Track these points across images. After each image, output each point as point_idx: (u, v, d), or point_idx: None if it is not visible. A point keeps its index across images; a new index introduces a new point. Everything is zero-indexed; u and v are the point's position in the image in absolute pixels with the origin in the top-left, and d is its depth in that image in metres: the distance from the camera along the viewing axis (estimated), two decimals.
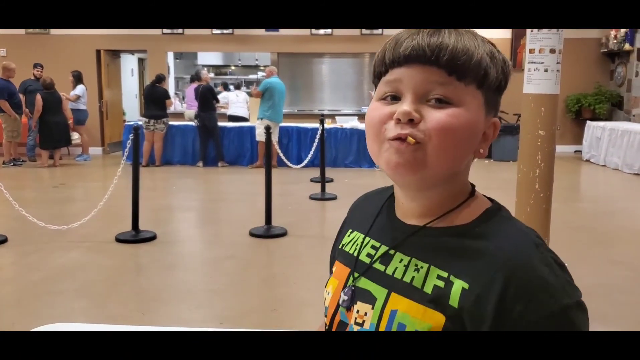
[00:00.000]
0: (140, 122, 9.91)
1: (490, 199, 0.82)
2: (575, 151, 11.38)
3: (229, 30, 11.73)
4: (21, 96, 9.99)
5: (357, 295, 0.79)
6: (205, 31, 11.77)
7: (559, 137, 11.16)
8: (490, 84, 0.74)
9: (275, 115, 9.19)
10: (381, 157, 0.76)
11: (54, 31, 11.53)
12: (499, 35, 11.26)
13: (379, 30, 11.36)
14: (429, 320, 0.70)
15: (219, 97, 11.37)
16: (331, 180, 8.11)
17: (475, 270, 0.70)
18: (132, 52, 13.45)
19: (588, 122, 10.56)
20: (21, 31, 11.56)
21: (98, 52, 11.65)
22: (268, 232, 5.13)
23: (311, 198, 6.85)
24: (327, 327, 0.83)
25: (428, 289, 0.72)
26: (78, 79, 10.56)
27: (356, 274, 0.82)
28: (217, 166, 9.75)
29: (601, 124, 10.07)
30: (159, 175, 9.20)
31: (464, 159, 0.76)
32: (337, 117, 10.55)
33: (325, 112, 11.32)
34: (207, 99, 9.66)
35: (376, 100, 0.78)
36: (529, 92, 2.92)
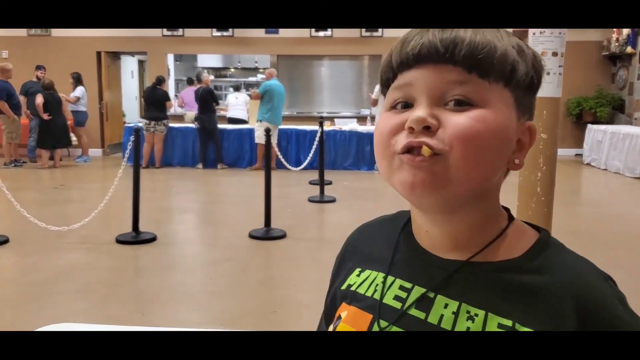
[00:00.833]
0: (140, 124, 9.92)
1: (529, 223, 0.70)
2: (576, 155, 11.37)
3: (229, 32, 11.74)
4: (22, 98, 10.01)
5: None
6: (205, 33, 11.79)
7: (560, 140, 11.14)
8: (519, 82, 0.63)
9: (275, 118, 9.19)
10: (393, 176, 0.64)
11: (55, 32, 11.54)
12: None
13: (379, 32, 11.37)
14: None
15: (228, 98, 11.41)
16: (330, 183, 8.11)
17: (541, 312, 0.59)
18: (132, 54, 13.48)
19: (589, 125, 10.56)
20: (23, 32, 11.57)
21: (98, 53, 11.66)
22: (267, 234, 5.14)
23: (310, 200, 6.85)
24: None
25: None
26: (78, 80, 10.57)
27: (383, 322, 0.67)
28: (217, 168, 9.76)
29: (602, 127, 10.06)
30: (159, 176, 9.20)
31: (495, 171, 0.64)
32: (336, 120, 10.56)
33: (325, 115, 11.33)
34: (207, 101, 9.67)
35: (385, 111, 0.67)
36: None
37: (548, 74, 2.87)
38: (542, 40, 2.83)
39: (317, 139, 7.46)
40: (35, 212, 5.65)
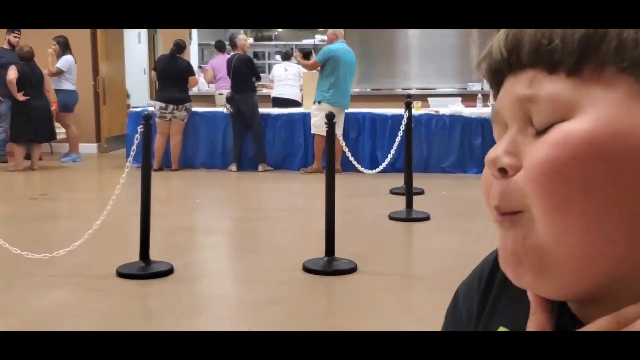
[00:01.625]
0: (151, 108, 10.20)
1: None
2: None
3: None
4: None
5: None
6: None
7: None
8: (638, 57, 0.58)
9: (340, 97, 9.24)
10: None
11: None
12: None
13: None
14: None
15: (273, 70, 11.57)
16: (421, 192, 8.06)
17: None
18: None
19: None
20: None
21: None
22: (329, 266, 5.16)
23: (391, 218, 6.84)
24: None
25: None
26: (65, 46, 10.97)
27: None
28: (257, 170, 9.92)
29: None
30: (176, 183, 9.42)
31: (622, 228, 0.57)
32: (429, 99, 10.51)
33: (413, 92, 11.30)
34: (243, 74, 9.83)
35: None
36: None
37: None
38: None
39: (402, 127, 7.44)
40: (6, 232, 5.89)
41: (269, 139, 10.12)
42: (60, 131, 11.04)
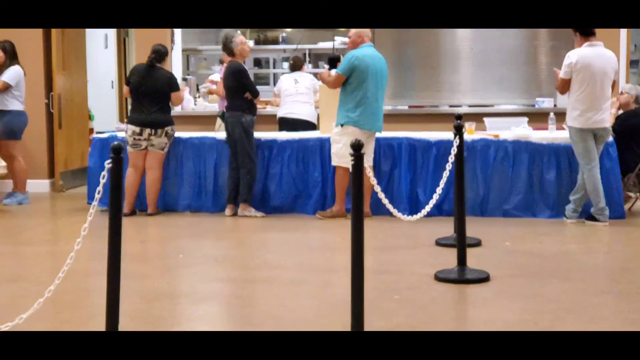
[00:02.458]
0: (121, 134, 10.23)
1: None
2: None
3: None
4: None
5: None
6: None
7: None
8: None
9: (370, 118, 9.26)
10: None
11: None
12: None
13: None
14: None
15: (280, 82, 11.58)
16: (478, 244, 8.01)
17: None
18: None
19: None
20: None
21: None
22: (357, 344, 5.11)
23: (439, 279, 6.80)
24: None
25: None
26: (12, 55, 11.06)
27: None
28: (250, 215, 9.83)
29: None
30: (153, 232, 9.41)
31: None
32: (486, 120, 10.50)
33: (464, 110, 11.30)
34: (231, 89, 9.89)
35: None
36: None
37: None
38: None
39: (450, 157, 7.41)
40: None
41: (275, 173, 10.12)
42: (1, 165, 11.03)
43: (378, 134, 9.56)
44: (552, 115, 10.25)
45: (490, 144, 9.71)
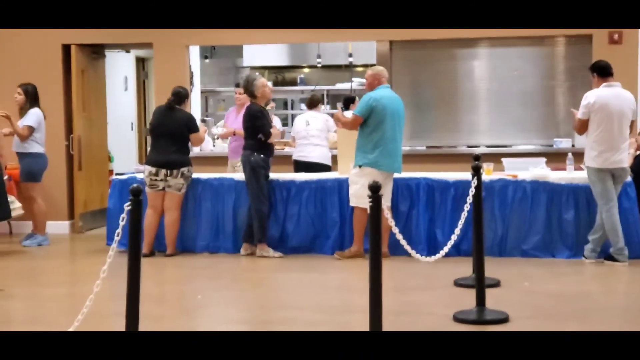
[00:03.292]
0: (140, 176, 10.26)
1: None
2: None
3: None
4: None
5: None
6: None
7: None
8: None
9: (388, 159, 9.26)
10: None
11: None
12: None
13: None
14: None
15: (295, 124, 11.58)
16: (496, 284, 7.96)
17: None
18: (126, 47, 14.13)
19: None
20: None
21: (66, 48, 12.32)
22: None
23: (457, 320, 6.76)
24: None
25: None
26: (33, 97, 11.13)
27: None
28: (271, 255, 9.82)
29: None
30: (172, 273, 9.40)
31: None
32: (504, 160, 10.47)
33: (482, 151, 11.28)
34: (246, 130, 10.01)
35: None
36: None
37: None
38: None
39: (468, 198, 7.39)
40: None
41: (293, 214, 10.11)
42: (16, 207, 11.02)
43: (397, 175, 9.55)
44: (570, 155, 10.21)
45: (508, 184, 9.67)
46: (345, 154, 9.96)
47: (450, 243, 7.53)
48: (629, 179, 9.35)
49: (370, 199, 5.40)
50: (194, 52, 13.09)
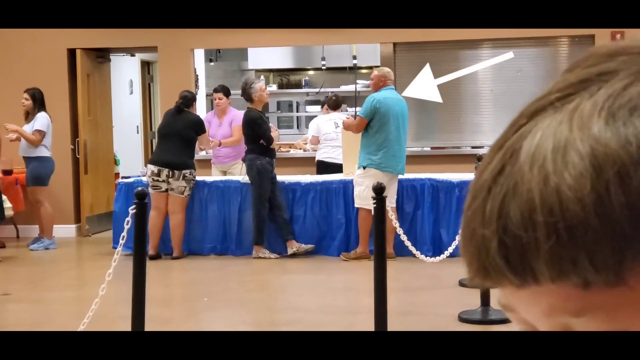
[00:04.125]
0: (144, 178, 10.26)
1: None
2: None
3: None
4: None
5: None
6: None
7: None
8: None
9: (392, 161, 9.25)
10: None
11: None
12: None
13: None
14: None
15: (316, 124, 11.55)
16: None
17: None
18: (131, 51, 14.12)
19: None
20: None
21: (71, 52, 12.34)
22: None
23: (462, 320, 6.77)
24: None
25: None
26: (40, 102, 11.14)
27: None
28: (285, 255, 9.81)
29: None
30: (178, 275, 9.41)
31: None
32: None
33: (485, 151, 11.22)
34: (246, 137, 10.04)
35: None
36: None
37: None
38: None
39: None
40: None
41: (299, 215, 10.11)
42: (7, 206, 10.94)
43: (401, 176, 9.54)
44: None
45: None
46: (350, 155, 9.96)
47: (455, 243, 7.53)
48: None
49: (374, 201, 5.40)
50: (199, 55, 13.10)
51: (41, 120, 10.97)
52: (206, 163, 11.45)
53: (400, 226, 7.52)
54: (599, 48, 0.69)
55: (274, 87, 15.10)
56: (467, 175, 9.56)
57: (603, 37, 11.31)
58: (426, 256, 7.39)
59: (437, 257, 7.50)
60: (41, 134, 10.90)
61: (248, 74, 13.47)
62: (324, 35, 11.85)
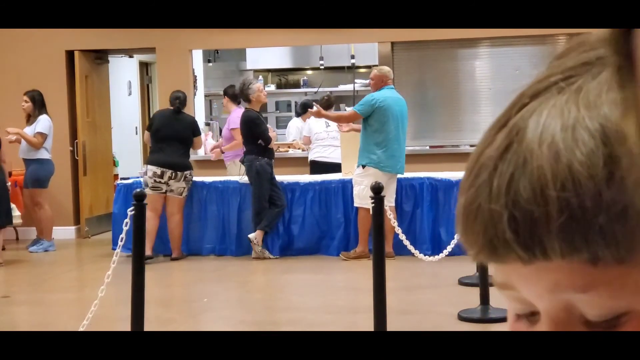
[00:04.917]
0: (141, 178, 10.25)
1: None
2: None
3: None
4: None
5: None
6: None
7: None
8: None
9: (391, 160, 9.25)
10: None
11: None
12: None
13: None
14: None
15: (310, 126, 11.56)
16: None
17: None
18: (129, 52, 14.11)
19: None
20: None
21: (70, 54, 12.33)
22: None
23: (462, 318, 6.77)
24: None
25: None
26: (40, 104, 11.12)
27: None
28: (279, 256, 9.80)
29: None
30: (177, 276, 9.40)
31: None
32: None
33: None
34: (244, 137, 10.05)
35: None
36: None
37: None
38: None
39: None
40: None
41: (298, 215, 10.10)
42: (14, 214, 10.89)
43: (401, 176, 9.53)
44: None
45: None
46: (349, 155, 9.95)
47: (454, 242, 7.53)
48: None
49: (373, 200, 5.40)
50: (197, 56, 13.09)
51: (43, 122, 10.97)
52: (206, 163, 11.45)
53: (399, 225, 7.53)
54: (589, 35, 0.72)
55: (272, 87, 15.12)
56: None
57: None
58: (425, 255, 7.39)
59: (437, 256, 7.50)
60: (43, 136, 10.89)
61: (246, 74, 13.44)
62: (322, 35, 11.86)
